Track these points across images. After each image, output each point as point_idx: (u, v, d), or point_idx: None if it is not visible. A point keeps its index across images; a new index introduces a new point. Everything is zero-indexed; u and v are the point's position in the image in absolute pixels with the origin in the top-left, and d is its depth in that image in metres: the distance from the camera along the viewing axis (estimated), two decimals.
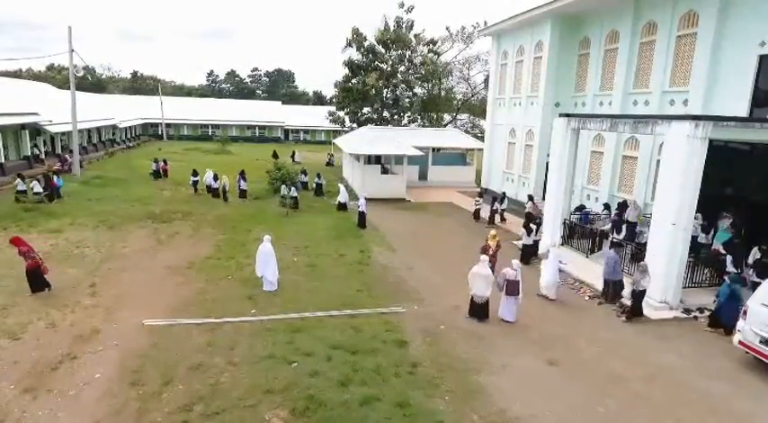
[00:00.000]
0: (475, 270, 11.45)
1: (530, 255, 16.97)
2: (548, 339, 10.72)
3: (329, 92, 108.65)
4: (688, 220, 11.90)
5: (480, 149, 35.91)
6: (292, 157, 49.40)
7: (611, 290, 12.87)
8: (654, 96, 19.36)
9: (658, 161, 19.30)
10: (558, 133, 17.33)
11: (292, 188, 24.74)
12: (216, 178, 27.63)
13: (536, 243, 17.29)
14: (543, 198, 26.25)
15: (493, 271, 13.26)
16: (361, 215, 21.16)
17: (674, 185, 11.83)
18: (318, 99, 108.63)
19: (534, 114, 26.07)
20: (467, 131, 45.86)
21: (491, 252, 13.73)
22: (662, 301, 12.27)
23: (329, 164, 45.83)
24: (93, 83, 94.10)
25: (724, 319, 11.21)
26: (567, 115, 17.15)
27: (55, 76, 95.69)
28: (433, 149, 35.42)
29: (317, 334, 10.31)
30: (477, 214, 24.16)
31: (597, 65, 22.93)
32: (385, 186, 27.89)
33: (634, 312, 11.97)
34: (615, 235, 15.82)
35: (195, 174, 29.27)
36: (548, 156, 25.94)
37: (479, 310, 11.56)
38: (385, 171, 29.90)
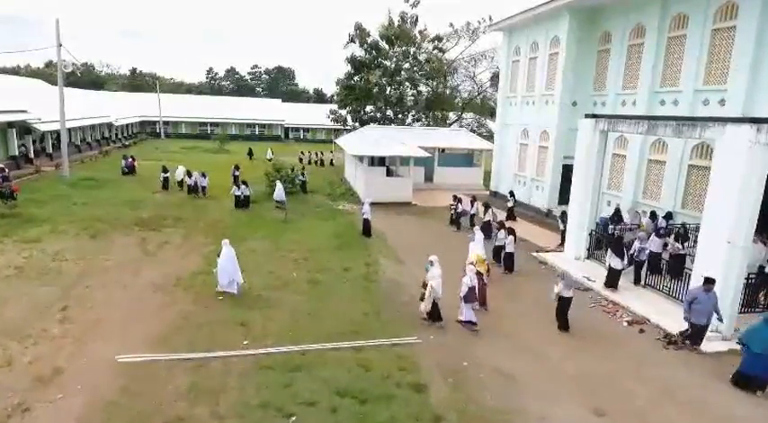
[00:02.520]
0: (434, 273, 11.03)
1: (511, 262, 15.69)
2: (589, 379, 9.19)
3: (330, 90, 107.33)
4: (747, 237, 10.36)
5: (489, 150, 34.48)
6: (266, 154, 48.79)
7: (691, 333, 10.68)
8: (685, 95, 17.81)
9: (690, 166, 17.93)
10: (584, 136, 15.77)
11: (242, 187, 23.63)
12: (189, 174, 26.92)
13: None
14: (560, 203, 24.82)
15: (484, 303, 12.24)
16: (366, 222, 19.60)
17: (731, 198, 10.28)
18: (319, 97, 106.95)
19: (550, 114, 24.52)
20: (472, 131, 44.23)
21: (482, 280, 11.92)
22: (713, 329, 10.74)
23: (301, 161, 45.14)
24: (91, 80, 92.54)
25: (756, 369, 8.80)
26: (595, 116, 15.60)
27: (53, 73, 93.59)
28: (439, 150, 33.79)
29: (320, 373, 8.78)
30: (453, 219, 21.95)
31: (619, 62, 21.37)
32: (390, 190, 26.33)
33: (563, 325, 11.37)
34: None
35: (165, 170, 27.95)
36: (564, 158, 24.53)
37: (438, 312, 11.25)
38: (389, 173, 28.36)
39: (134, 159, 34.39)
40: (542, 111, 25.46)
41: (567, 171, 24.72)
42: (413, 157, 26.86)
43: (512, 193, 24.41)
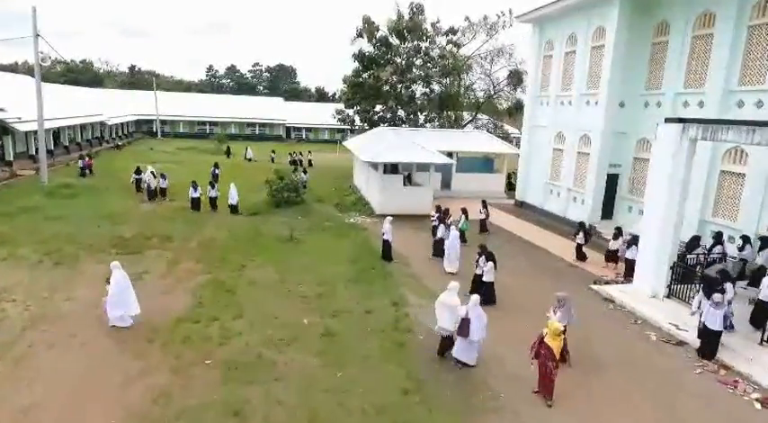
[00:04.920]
0: (442, 299, 9.65)
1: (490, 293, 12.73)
2: None
3: (331, 88, 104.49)
4: None
5: (512, 155, 31.49)
6: (245, 152, 47.06)
7: None
8: None
9: None
10: (665, 145, 12.69)
11: (198, 188, 22.33)
12: (160, 176, 24.88)
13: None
14: (603, 218, 21.76)
15: (550, 391, 8.45)
16: (386, 244, 16.51)
17: None
18: (321, 95, 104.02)
19: (592, 116, 21.44)
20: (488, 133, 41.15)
21: (552, 360, 8.21)
22: None
23: (273, 161, 43.67)
24: (90, 78, 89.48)
25: None
26: (682, 120, 12.52)
27: (51, 70, 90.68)
28: (452, 153, 30.61)
29: None
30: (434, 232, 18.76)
31: (680, 55, 18.31)
32: (408, 200, 23.27)
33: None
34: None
35: (138, 172, 25.50)
36: (609, 167, 21.48)
37: (445, 345, 9.75)
38: (406, 181, 25.27)
39: (91, 158, 32.46)
40: (582, 112, 22.39)
41: (611, 181, 21.74)
42: (434, 164, 23.78)
43: (484, 203, 21.44)
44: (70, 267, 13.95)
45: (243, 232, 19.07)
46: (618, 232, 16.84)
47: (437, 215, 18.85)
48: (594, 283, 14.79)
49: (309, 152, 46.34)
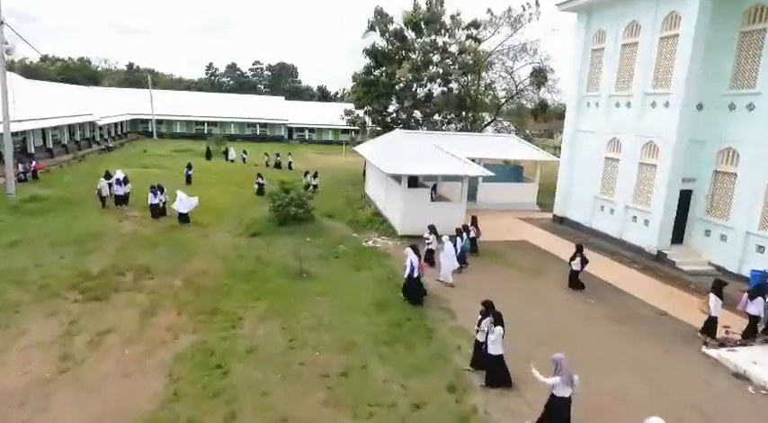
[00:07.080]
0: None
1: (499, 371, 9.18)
2: None
3: (334, 87, 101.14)
4: None
5: (548, 162, 27.95)
6: (225, 153, 44.25)
7: None
8: None
9: None
10: None
11: (158, 192, 20.17)
12: (125, 182, 22.01)
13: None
14: (674, 242, 18.16)
15: None
16: (414, 284, 12.81)
17: None
18: (323, 94, 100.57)
19: (661, 120, 17.83)
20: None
21: None
22: None
23: (244, 161, 42.38)
24: (87, 76, 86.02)
25: None
26: None
27: (48, 68, 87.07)
28: (476, 160, 26.99)
29: None
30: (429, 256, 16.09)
31: None
32: (436, 218, 19.41)
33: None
34: None
35: (108, 176, 22.58)
36: (682, 181, 17.88)
37: None
38: (433, 194, 21.63)
39: (38, 162, 29.05)
40: (646, 115, 18.77)
41: (683, 199, 18.12)
42: (468, 176, 20.12)
43: (474, 220, 18.42)
44: (5, 324, 10.31)
45: (241, 263, 15.46)
46: (722, 287, 11.34)
47: (432, 237, 16.32)
48: (705, 344, 11.13)
49: (290, 154, 43.18)
